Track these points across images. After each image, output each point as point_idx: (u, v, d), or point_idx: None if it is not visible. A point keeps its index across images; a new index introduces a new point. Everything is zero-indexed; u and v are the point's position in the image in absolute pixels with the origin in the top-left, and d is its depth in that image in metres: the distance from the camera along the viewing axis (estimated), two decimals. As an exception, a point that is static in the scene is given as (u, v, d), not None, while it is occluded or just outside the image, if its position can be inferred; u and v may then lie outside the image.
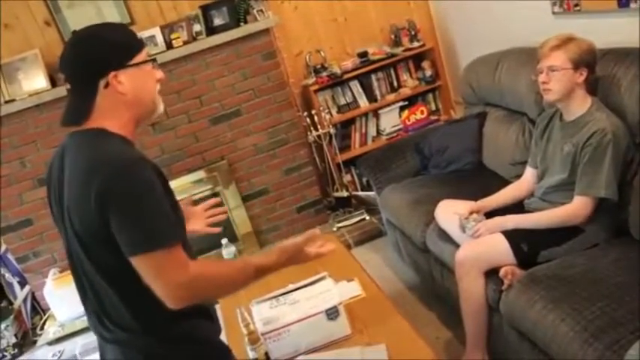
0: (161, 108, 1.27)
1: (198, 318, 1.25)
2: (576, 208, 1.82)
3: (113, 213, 1.06)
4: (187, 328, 1.22)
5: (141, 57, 1.20)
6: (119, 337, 1.19)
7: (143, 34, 3.05)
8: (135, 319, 1.16)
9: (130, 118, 1.20)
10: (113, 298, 1.16)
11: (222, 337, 1.37)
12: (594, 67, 1.86)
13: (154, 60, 1.23)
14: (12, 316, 3.07)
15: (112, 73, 1.15)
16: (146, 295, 1.11)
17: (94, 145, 1.14)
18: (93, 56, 1.15)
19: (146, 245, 1.07)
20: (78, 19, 3.02)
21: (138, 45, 1.21)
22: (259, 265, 1.25)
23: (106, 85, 1.15)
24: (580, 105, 1.86)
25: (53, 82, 3.02)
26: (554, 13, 2.44)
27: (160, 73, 1.25)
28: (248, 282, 1.23)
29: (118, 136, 1.17)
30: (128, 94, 1.17)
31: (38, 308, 3.34)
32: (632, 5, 2.00)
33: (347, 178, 3.66)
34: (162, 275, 1.08)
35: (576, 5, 2.29)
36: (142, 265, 1.08)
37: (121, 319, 1.17)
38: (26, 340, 3.15)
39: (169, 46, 3.09)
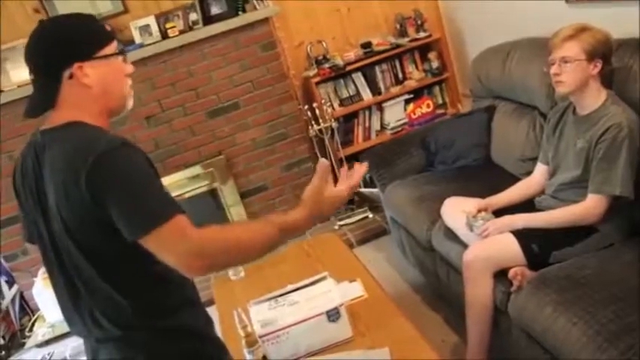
0: (130, 104, 1.26)
1: (193, 309, 1.25)
2: (590, 206, 1.78)
3: (109, 198, 1.06)
4: (186, 320, 1.21)
5: (109, 49, 1.19)
6: (114, 335, 1.17)
7: (137, 24, 3.02)
8: (131, 312, 1.15)
9: (99, 111, 1.19)
10: (108, 292, 1.14)
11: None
12: (610, 58, 1.81)
13: (124, 53, 1.23)
14: (-1, 317, 3.03)
15: (77, 64, 1.14)
16: (142, 287, 1.13)
17: (75, 134, 1.14)
18: (56, 46, 1.15)
19: (148, 224, 1.05)
20: (69, 7, 2.95)
21: (106, 37, 1.20)
22: (284, 224, 1.16)
23: (71, 76, 1.15)
24: (594, 98, 1.82)
25: (43, 73, 2.95)
26: (567, 1, 2.41)
27: (129, 67, 1.24)
28: (272, 244, 1.15)
29: (95, 126, 1.17)
30: (94, 87, 1.16)
31: (27, 309, 3.30)
32: (651, -7, 1.97)
33: (349, 174, 3.60)
34: (170, 249, 1.06)
35: (591, -7, 2.28)
36: (150, 244, 1.07)
37: (117, 314, 1.16)
38: (14, 341, 3.11)
39: (164, 35, 3.07)
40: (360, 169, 1.32)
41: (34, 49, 1.16)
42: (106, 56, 1.17)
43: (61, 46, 1.15)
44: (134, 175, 1.08)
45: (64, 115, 1.16)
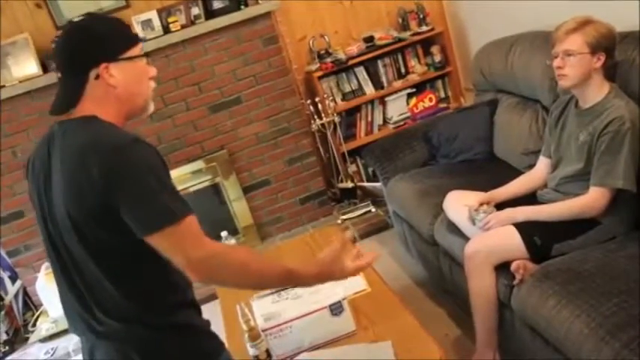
0: (151, 107, 1.27)
1: (191, 308, 1.26)
2: (592, 199, 1.77)
3: (122, 193, 1.07)
4: (182, 317, 1.22)
5: (135, 51, 1.21)
6: (113, 329, 1.18)
7: (139, 18, 3.01)
8: (129, 308, 1.16)
9: (119, 113, 1.21)
10: (107, 286, 1.15)
11: (221, 333, 1.35)
12: (613, 51, 1.80)
13: (148, 56, 1.25)
14: (2, 313, 3.02)
15: (103, 65, 1.16)
16: (141, 283, 1.14)
17: (88, 128, 1.15)
18: (85, 46, 1.17)
19: (162, 221, 1.07)
20: (71, 2, 2.95)
21: (133, 39, 1.22)
22: (294, 272, 1.21)
23: (97, 77, 1.17)
24: (597, 91, 1.81)
25: (45, 68, 2.96)
26: (571, -6, 2.37)
27: (153, 70, 1.26)
28: (274, 283, 1.21)
29: (110, 122, 1.18)
30: (119, 88, 1.18)
31: (30, 304, 3.29)
32: (655, -14, 1.94)
33: (352, 168, 3.63)
34: (181, 250, 1.08)
35: (595, -15, 2.22)
36: (160, 242, 1.08)
37: (115, 309, 1.17)
38: (18, 337, 3.11)
39: (166, 30, 3.05)
40: (372, 256, 1.34)
41: (63, 48, 1.18)
42: (131, 58, 1.19)
43: (89, 46, 1.17)
44: (149, 171, 1.09)
45: (83, 110, 1.18)
